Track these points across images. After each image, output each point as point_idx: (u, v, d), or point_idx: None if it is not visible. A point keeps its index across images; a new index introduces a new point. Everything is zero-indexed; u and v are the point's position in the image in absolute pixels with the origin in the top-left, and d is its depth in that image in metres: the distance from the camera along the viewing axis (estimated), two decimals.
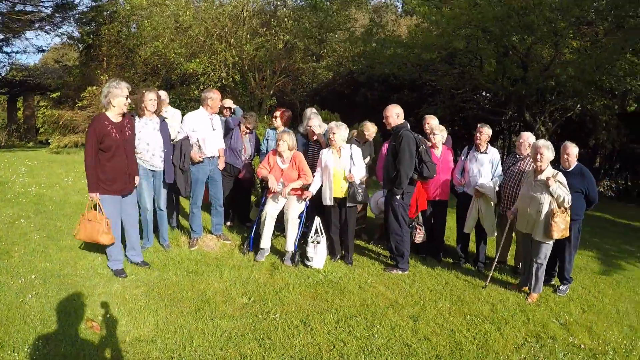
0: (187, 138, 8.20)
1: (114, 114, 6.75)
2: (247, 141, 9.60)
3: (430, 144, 8.54)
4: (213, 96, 8.38)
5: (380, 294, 7.10)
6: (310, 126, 8.96)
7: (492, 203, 8.31)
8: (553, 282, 8.05)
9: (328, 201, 8.17)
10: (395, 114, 7.90)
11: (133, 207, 7.36)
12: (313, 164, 8.55)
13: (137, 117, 7.66)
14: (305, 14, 21.70)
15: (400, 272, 8.02)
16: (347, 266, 8.22)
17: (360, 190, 8.00)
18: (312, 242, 8.08)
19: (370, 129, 9.37)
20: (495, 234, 8.49)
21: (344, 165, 8.07)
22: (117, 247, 7.10)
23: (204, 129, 8.30)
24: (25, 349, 5.04)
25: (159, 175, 7.94)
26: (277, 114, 9.65)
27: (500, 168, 8.41)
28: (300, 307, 6.44)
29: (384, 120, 8.01)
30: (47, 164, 15.15)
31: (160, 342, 5.39)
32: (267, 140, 9.70)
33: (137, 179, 7.40)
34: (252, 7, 21.16)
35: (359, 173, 8.12)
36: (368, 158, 9.09)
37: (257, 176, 8.84)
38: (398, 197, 7.82)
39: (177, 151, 8.01)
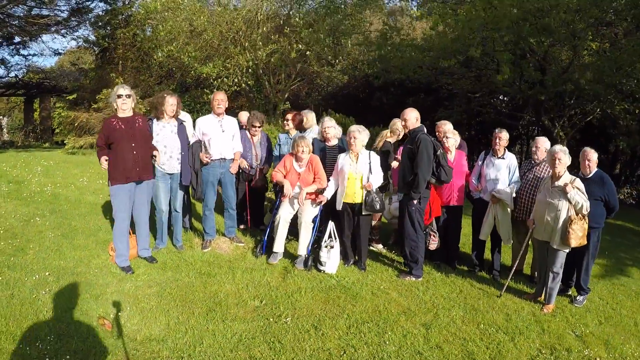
0: (198, 141, 8.34)
1: (119, 112, 7.18)
2: (257, 146, 9.59)
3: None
4: (216, 97, 8.50)
5: (392, 300, 7.07)
6: (326, 127, 8.82)
7: (509, 209, 8.22)
8: (570, 293, 7.94)
9: (339, 205, 8.17)
10: (414, 118, 7.89)
11: (145, 204, 7.54)
12: (330, 169, 8.50)
13: (154, 120, 7.84)
14: (319, 18, 21.66)
15: (414, 278, 7.98)
16: (360, 272, 8.18)
17: (377, 199, 7.98)
18: (326, 246, 8.03)
19: (400, 124, 9.25)
20: (512, 242, 8.43)
21: (360, 171, 7.99)
22: (124, 243, 7.30)
23: (212, 131, 8.39)
24: (37, 344, 5.12)
25: (175, 178, 8.09)
26: (289, 116, 9.71)
27: (517, 174, 8.32)
28: (312, 312, 6.45)
29: (402, 124, 8.00)
30: (62, 164, 15.25)
31: (171, 342, 5.45)
32: (280, 145, 9.69)
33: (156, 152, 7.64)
34: (267, 10, 21.19)
35: (377, 181, 8.07)
36: (396, 164, 8.87)
37: (272, 180, 8.79)
38: (415, 201, 7.79)
39: (190, 153, 8.13)
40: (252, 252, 8.61)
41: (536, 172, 8.09)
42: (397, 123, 9.21)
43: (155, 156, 7.47)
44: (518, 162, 8.56)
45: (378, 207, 7.94)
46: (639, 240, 13.78)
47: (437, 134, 8.99)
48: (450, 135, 8.57)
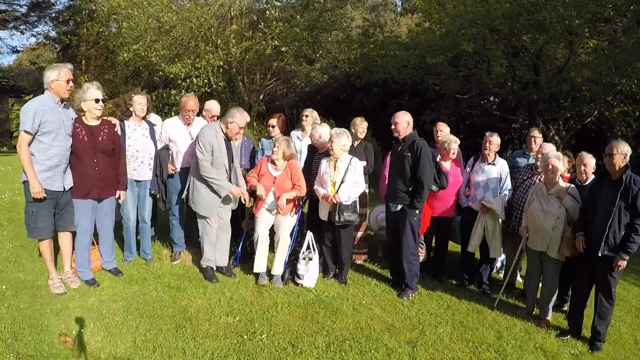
0: (165, 147, 8.29)
1: (88, 118, 6.98)
2: (238, 151, 8.99)
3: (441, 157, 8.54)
4: (186, 107, 8.39)
5: (375, 316, 7.06)
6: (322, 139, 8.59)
7: (500, 220, 8.15)
8: (565, 308, 7.93)
9: (322, 216, 8.14)
10: (405, 122, 7.82)
11: (109, 214, 7.50)
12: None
13: (124, 122, 7.77)
14: (296, 13, 21.68)
15: (413, 293, 7.97)
16: (340, 285, 8.17)
17: (350, 212, 7.95)
18: (304, 258, 8.01)
19: (358, 126, 9.22)
20: (503, 255, 8.41)
21: (339, 178, 7.92)
22: (85, 257, 7.28)
23: (180, 139, 8.36)
24: None
25: (144, 186, 8.08)
26: (274, 122, 9.43)
27: (509, 181, 8.29)
28: (289, 328, 6.43)
29: (392, 127, 7.92)
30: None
31: None
32: (263, 150, 9.44)
33: (122, 194, 7.54)
34: (240, 5, 21.14)
35: (357, 191, 7.99)
36: (364, 163, 8.74)
37: (248, 185, 8.65)
38: (417, 212, 7.78)
39: (156, 161, 8.10)
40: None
41: (538, 180, 7.95)
42: (355, 121, 9.29)
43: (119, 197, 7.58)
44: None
45: (352, 218, 7.94)
46: (638, 252, 13.79)
47: (437, 133, 9.06)
48: (454, 147, 8.54)
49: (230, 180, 7.82)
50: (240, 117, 7.67)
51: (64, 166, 6.76)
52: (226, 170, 7.69)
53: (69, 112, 6.84)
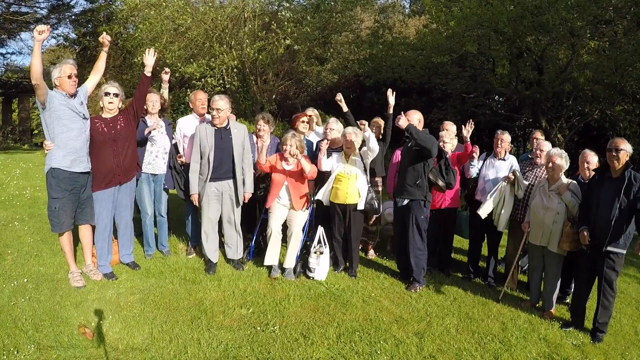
0: (175, 143, 8.34)
1: (104, 113, 7.20)
2: (263, 151, 8.60)
3: None
4: (198, 96, 8.52)
5: (384, 308, 7.04)
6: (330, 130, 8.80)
7: (515, 194, 8.02)
8: (568, 300, 7.90)
9: (320, 196, 8.20)
10: (416, 120, 7.83)
11: (128, 207, 7.54)
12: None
13: (141, 119, 7.85)
14: (307, 14, 21.70)
15: (421, 286, 7.94)
16: (350, 278, 8.15)
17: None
18: (315, 252, 8.01)
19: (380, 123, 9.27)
20: (504, 229, 8.34)
21: (351, 171, 7.99)
22: (105, 249, 7.31)
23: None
24: (16, 353, 5.09)
25: (159, 180, 8.12)
26: (306, 118, 9.47)
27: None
28: (301, 320, 6.42)
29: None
30: (42, 166, 15.11)
31: (155, 351, 5.40)
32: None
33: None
34: (253, 7, 21.17)
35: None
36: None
37: (261, 171, 8.38)
38: (425, 209, 7.80)
39: (169, 155, 8.18)
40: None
41: (537, 173, 8.04)
42: (376, 120, 9.42)
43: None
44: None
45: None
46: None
47: (442, 130, 8.98)
48: (448, 140, 8.51)
49: (234, 177, 7.82)
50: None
51: (87, 150, 6.85)
52: (209, 163, 7.62)
53: (78, 97, 6.87)
